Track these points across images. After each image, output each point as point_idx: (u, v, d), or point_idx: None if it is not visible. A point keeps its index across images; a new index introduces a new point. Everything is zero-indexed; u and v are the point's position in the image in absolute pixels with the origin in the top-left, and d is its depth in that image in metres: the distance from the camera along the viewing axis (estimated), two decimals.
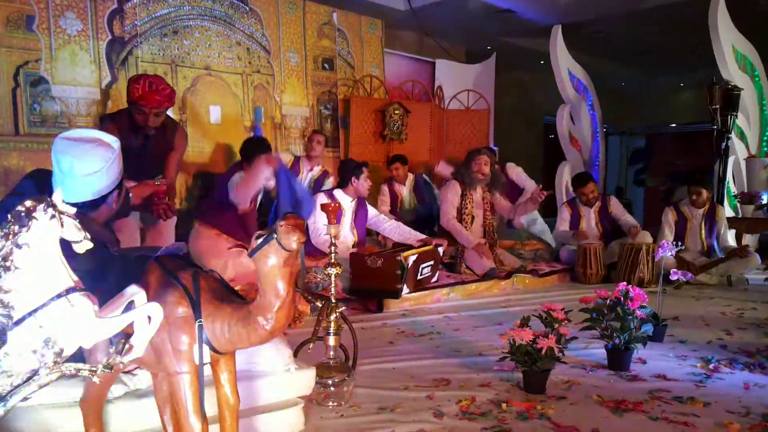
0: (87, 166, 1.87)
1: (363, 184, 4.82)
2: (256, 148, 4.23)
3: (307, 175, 5.79)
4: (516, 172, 6.62)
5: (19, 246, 1.27)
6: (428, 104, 7.49)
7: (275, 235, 1.52)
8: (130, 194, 2.76)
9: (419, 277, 4.58)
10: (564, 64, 7.78)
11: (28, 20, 4.54)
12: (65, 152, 1.87)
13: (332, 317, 2.51)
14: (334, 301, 2.53)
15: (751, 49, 6.88)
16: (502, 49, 8.47)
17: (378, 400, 2.55)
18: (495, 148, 7.38)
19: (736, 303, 4.67)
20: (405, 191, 6.37)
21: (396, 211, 6.17)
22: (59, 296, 1.31)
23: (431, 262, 4.72)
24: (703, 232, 5.78)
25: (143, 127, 3.72)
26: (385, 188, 6.28)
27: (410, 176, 6.42)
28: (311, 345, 2.58)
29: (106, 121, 3.85)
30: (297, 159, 5.79)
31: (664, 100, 12.00)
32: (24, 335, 1.27)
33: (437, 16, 7.28)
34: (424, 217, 6.16)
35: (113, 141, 1.97)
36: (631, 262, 5.32)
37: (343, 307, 2.58)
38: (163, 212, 3.68)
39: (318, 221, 4.59)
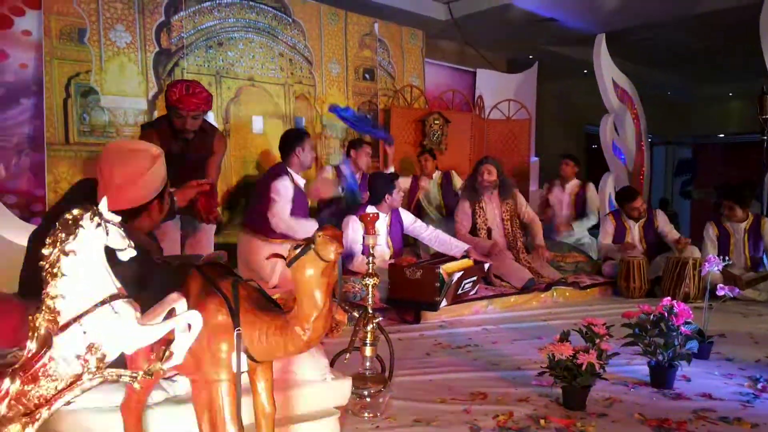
0: (124, 174, 1.92)
1: (396, 198, 4.78)
2: (294, 140, 4.47)
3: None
4: (591, 195, 6.65)
5: (66, 253, 1.31)
6: (468, 114, 7.46)
7: (313, 246, 1.54)
8: (175, 198, 2.81)
9: (459, 292, 4.54)
10: (608, 73, 7.65)
11: (80, 33, 4.70)
12: (106, 160, 1.93)
13: (369, 328, 2.51)
14: (371, 311, 2.53)
15: None
16: (544, 59, 8.39)
17: (414, 413, 2.54)
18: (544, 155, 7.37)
19: None
20: (431, 185, 6.37)
21: (412, 202, 6.21)
22: (103, 303, 1.34)
23: (474, 278, 4.68)
24: (747, 246, 5.60)
25: (182, 131, 3.77)
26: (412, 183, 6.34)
27: (438, 172, 6.44)
28: (348, 355, 2.58)
29: (146, 129, 3.92)
30: (338, 168, 5.74)
31: (711, 110, 11.69)
32: (69, 341, 1.31)
33: (478, 26, 7.26)
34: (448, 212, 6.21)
35: (156, 151, 2.01)
36: (676, 277, 5.18)
37: (380, 318, 2.58)
38: (206, 213, 3.61)
39: (352, 248, 4.58)
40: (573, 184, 6.72)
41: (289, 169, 4.42)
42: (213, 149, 4.02)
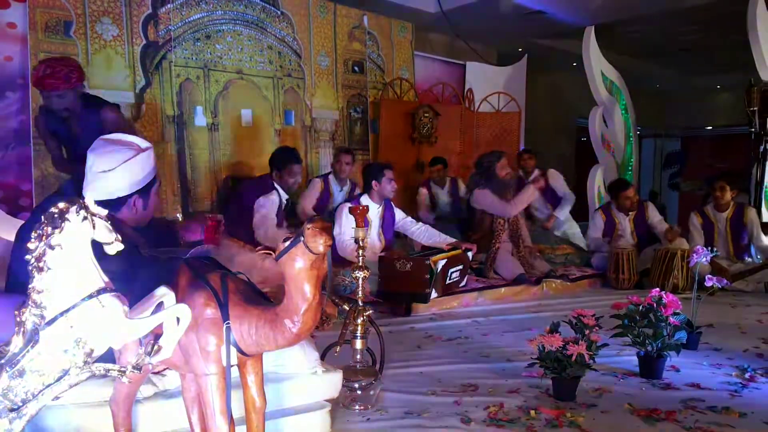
0: (102, 163, 1.91)
1: (386, 186, 4.71)
2: (287, 157, 4.61)
3: (337, 195, 5.55)
4: (559, 181, 6.62)
5: (52, 247, 1.30)
6: (458, 107, 7.46)
7: (302, 238, 1.53)
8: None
9: (448, 282, 4.55)
10: (597, 65, 7.67)
11: (66, 26, 4.65)
12: (92, 150, 1.93)
13: (359, 320, 2.51)
14: (361, 304, 2.53)
15: None
16: (533, 51, 8.39)
17: (405, 405, 2.54)
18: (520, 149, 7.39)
19: None
20: (443, 193, 6.52)
21: (434, 211, 6.36)
22: (90, 297, 1.33)
23: (460, 267, 4.68)
24: (730, 235, 5.65)
25: (53, 111, 3.49)
26: (423, 190, 6.50)
27: (448, 179, 6.60)
28: (338, 348, 2.58)
29: (39, 112, 3.73)
30: (326, 179, 5.56)
31: (700, 102, 11.76)
32: (56, 335, 1.29)
33: (468, 18, 7.23)
34: (461, 219, 6.15)
35: (143, 145, 2.00)
36: (665, 268, 5.22)
37: (371, 311, 2.58)
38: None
39: (345, 232, 4.57)
40: (535, 175, 6.49)
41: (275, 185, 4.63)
42: (107, 127, 3.57)
